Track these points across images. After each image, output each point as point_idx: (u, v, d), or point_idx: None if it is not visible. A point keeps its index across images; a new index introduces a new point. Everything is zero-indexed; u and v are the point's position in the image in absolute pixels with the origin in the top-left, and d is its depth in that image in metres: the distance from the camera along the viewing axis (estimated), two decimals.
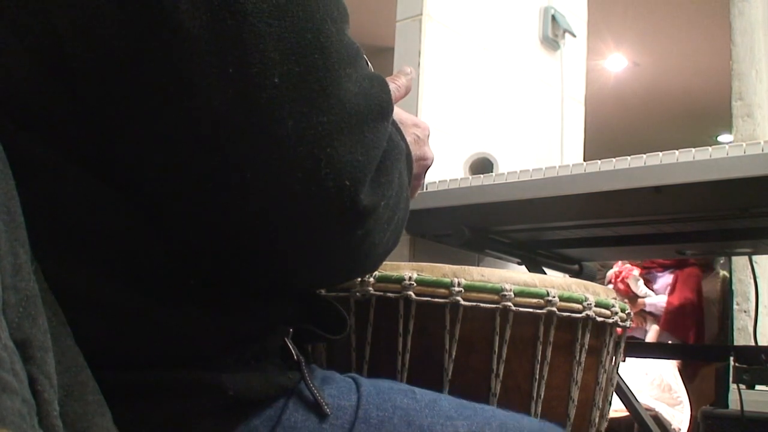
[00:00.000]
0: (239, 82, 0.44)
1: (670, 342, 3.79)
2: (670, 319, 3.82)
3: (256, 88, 0.45)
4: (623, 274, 4.04)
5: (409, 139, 0.63)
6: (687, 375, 3.55)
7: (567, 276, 1.67)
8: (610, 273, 4.11)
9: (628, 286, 4.02)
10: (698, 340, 3.72)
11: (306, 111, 0.46)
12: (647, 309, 4.00)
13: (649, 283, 4.07)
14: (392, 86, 0.63)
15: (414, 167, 0.64)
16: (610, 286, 4.02)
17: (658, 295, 4.00)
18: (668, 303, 3.86)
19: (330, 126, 0.47)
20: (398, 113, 0.65)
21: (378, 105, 0.51)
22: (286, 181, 0.46)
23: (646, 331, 3.99)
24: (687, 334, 3.76)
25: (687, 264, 3.89)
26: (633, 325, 4.01)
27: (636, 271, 4.04)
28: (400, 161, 0.56)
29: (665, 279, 3.99)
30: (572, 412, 0.91)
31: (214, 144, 0.45)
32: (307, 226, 0.49)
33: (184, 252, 0.50)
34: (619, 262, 4.03)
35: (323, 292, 0.82)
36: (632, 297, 4.00)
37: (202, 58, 0.44)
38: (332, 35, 0.48)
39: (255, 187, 0.46)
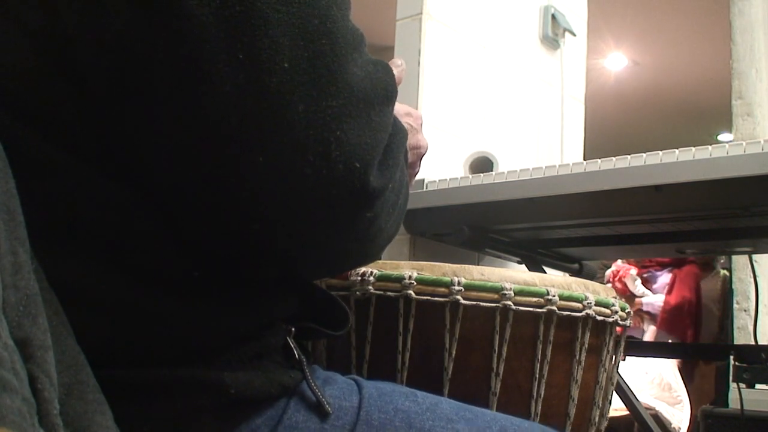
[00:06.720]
0: (249, 68, 0.45)
1: (670, 341, 3.79)
2: (667, 319, 3.82)
3: (266, 73, 0.45)
4: (621, 273, 4.04)
5: None
6: (687, 374, 3.55)
7: (567, 275, 1.67)
8: (608, 272, 4.11)
9: (625, 285, 4.02)
10: (695, 339, 3.72)
11: (315, 95, 0.47)
12: (644, 308, 4.00)
13: (648, 282, 4.07)
14: None
15: (409, 155, 0.65)
16: (608, 285, 4.02)
17: (655, 295, 3.99)
18: (665, 302, 3.86)
19: (339, 109, 0.47)
20: None
21: (383, 89, 0.51)
22: (297, 164, 0.47)
23: (643, 331, 3.99)
24: (684, 334, 3.76)
25: (686, 262, 3.89)
26: (631, 325, 4.00)
27: (633, 271, 4.04)
28: (404, 145, 0.57)
29: (664, 278, 3.98)
30: (572, 411, 0.91)
31: (225, 130, 0.46)
32: (318, 208, 0.49)
33: (190, 243, 0.50)
34: (618, 261, 4.03)
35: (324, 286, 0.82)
36: (629, 296, 4.00)
37: (212, 44, 0.44)
38: (338, 20, 0.49)
39: (266, 171, 0.47)
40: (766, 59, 3.00)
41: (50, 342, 0.37)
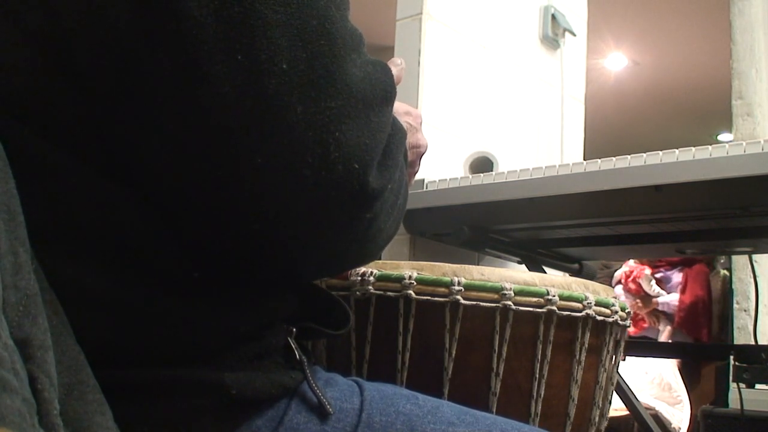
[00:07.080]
0: (248, 69, 0.45)
1: (669, 341, 3.79)
2: (684, 318, 3.80)
3: (264, 74, 0.45)
4: (635, 273, 4.00)
5: None
6: (687, 374, 3.55)
7: (567, 275, 1.67)
8: (620, 272, 4.07)
9: (639, 285, 3.99)
10: (710, 338, 3.71)
11: (314, 96, 0.47)
12: (660, 308, 3.98)
13: (661, 283, 4.04)
14: None
15: (408, 155, 0.65)
16: (620, 285, 4.01)
17: (670, 294, 3.97)
18: (680, 302, 3.84)
19: (338, 110, 0.47)
20: None
21: (382, 90, 0.51)
22: (297, 165, 0.47)
23: (659, 331, 3.97)
24: (700, 333, 3.74)
25: (695, 261, 3.88)
26: (645, 325, 3.99)
27: (648, 271, 4.00)
28: (403, 145, 0.57)
29: (677, 278, 3.96)
30: (572, 411, 0.91)
31: (223, 132, 0.46)
32: (317, 210, 0.49)
33: (190, 244, 0.50)
34: (630, 261, 4.00)
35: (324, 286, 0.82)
36: (644, 297, 3.98)
37: (211, 45, 0.44)
38: (337, 21, 0.49)
39: (265, 173, 0.47)
40: (766, 59, 3.00)
41: (50, 342, 0.37)
